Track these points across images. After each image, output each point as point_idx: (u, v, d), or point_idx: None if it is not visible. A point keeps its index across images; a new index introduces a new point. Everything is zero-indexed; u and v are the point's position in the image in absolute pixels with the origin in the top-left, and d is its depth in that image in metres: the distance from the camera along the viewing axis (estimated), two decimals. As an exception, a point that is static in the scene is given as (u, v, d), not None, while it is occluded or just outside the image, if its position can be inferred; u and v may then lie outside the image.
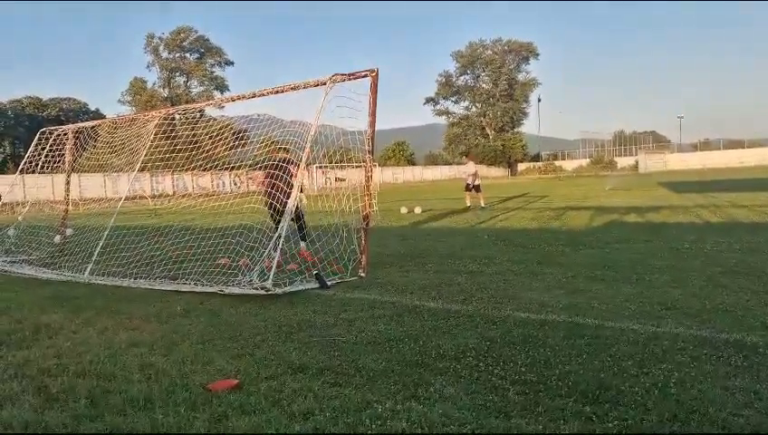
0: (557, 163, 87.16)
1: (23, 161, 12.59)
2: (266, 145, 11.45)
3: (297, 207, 8.83)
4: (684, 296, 5.66)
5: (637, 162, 73.15)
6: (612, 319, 4.96)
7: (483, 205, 19.19)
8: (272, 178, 8.74)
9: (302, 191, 8.90)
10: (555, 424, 3.02)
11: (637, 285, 6.31)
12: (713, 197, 19.26)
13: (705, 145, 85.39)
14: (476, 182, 19.55)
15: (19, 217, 14.90)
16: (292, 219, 8.56)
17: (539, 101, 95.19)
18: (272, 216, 8.88)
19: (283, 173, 8.66)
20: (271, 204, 8.69)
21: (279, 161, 8.90)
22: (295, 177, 8.40)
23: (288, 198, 7.99)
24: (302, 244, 9.35)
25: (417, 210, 19.10)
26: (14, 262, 10.77)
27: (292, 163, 8.90)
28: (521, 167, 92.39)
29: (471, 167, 20.24)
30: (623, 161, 77.34)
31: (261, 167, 9.04)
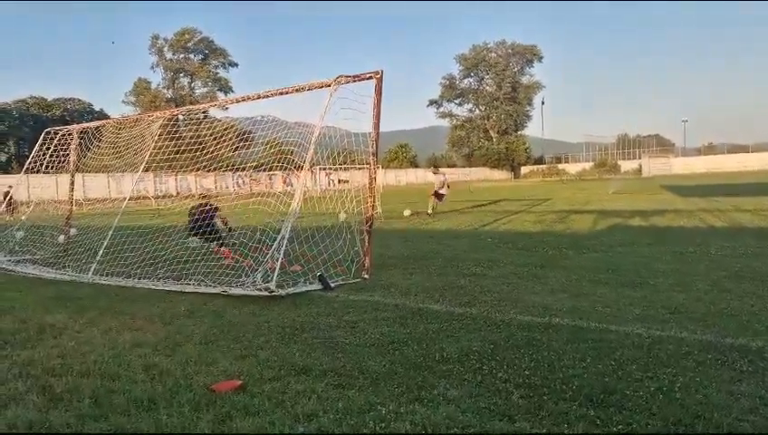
0: (560, 166, 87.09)
1: (27, 161, 12.62)
2: (271, 147, 11.47)
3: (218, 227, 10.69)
4: (688, 301, 5.65)
5: (640, 166, 73.02)
6: (616, 323, 4.95)
7: (429, 212, 19.06)
8: (198, 215, 10.47)
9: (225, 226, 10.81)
10: (559, 428, 3.02)
11: (641, 288, 6.30)
12: (717, 201, 19.22)
13: (710, 149, 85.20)
14: (442, 190, 19.60)
15: (23, 217, 14.96)
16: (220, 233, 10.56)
17: (542, 103, 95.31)
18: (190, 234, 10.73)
19: (207, 216, 10.35)
20: (192, 230, 10.46)
21: (205, 206, 10.70)
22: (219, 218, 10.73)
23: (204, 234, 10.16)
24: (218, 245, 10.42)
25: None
26: (19, 261, 10.81)
27: (215, 209, 10.84)
28: (524, 170, 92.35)
29: (440, 177, 20.06)
30: (627, 165, 77.15)
31: (192, 210, 10.99)
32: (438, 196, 19.62)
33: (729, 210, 15.51)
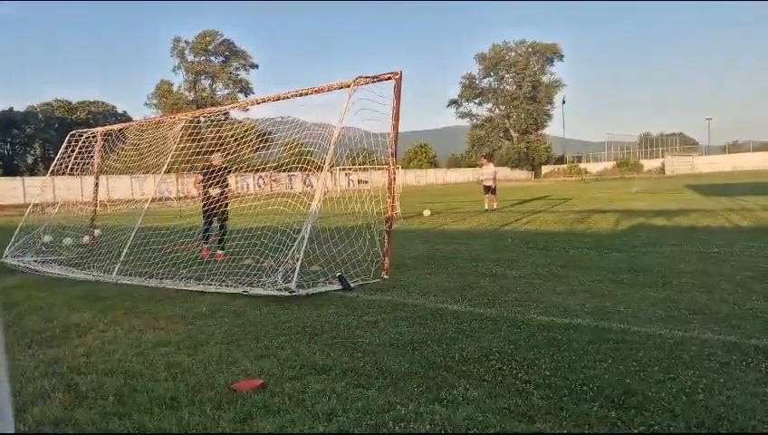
0: (582, 166, 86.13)
1: (53, 163, 12.85)
2: (291, 148, 11.55)
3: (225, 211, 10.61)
4: (712, 301, 5.57)
5: (663, 165, 72.01)
6: (638, 323, 4.90)
7: (494, 207, 19.54)
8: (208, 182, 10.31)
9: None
10: (580, 429, 3.00)
11: (664, 289, 6.22)
12: (742, 200, 18.88)
13: (735, 147, 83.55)
14: (494, 185, 19.74)
15: (47, 219, 15.20)
16: (219, 219, 10.44)
17: (563, 102, 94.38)
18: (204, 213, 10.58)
19: (220, 178, 10.30)
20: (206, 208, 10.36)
21: (214, 168, 10.39)
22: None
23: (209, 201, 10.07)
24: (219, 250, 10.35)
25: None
26: (45, 262, 11.01)
27: (226, 169, 10.58)
28: (545, 169, 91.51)
29: (491, 169, 20.27)
30: (649, 164, 76.09)
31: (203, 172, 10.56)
32: (488, 189, 19.62)
33: (755, 209, 15.22)
